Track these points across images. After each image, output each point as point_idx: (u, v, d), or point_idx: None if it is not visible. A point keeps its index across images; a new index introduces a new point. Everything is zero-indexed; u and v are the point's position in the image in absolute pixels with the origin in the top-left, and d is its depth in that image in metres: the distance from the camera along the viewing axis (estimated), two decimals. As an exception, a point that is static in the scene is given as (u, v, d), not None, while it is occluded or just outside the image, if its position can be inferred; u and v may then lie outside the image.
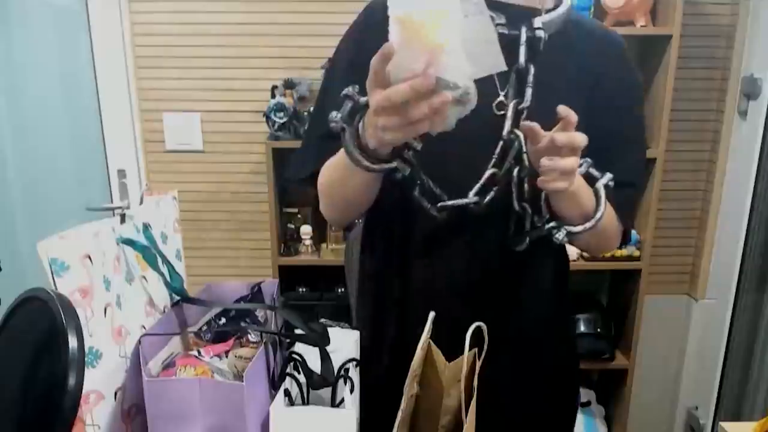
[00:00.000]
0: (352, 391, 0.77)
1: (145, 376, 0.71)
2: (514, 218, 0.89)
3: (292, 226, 2.10)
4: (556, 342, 1.02)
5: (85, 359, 0.60)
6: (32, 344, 0.63)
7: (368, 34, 0.92)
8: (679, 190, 2.17)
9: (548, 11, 0.90)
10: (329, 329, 0.79)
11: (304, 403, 0.78)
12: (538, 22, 0.88)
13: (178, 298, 0.86)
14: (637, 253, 2.02)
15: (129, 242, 0.77)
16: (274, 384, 0.78)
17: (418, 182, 0.84)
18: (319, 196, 0.96)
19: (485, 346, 0.77)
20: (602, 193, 0.84)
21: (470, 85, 0.67)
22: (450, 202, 0.86)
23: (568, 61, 0.93)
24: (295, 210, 2.11)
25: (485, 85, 0.86)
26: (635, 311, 2.05)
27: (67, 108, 2.11)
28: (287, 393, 0.75)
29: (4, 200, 2.11)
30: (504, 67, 0.72)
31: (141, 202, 0.86)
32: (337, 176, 0.88)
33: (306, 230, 2.06)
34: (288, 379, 0.77)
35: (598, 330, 2.09)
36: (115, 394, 0.71)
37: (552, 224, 0.86)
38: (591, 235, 0.85)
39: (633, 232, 2.01)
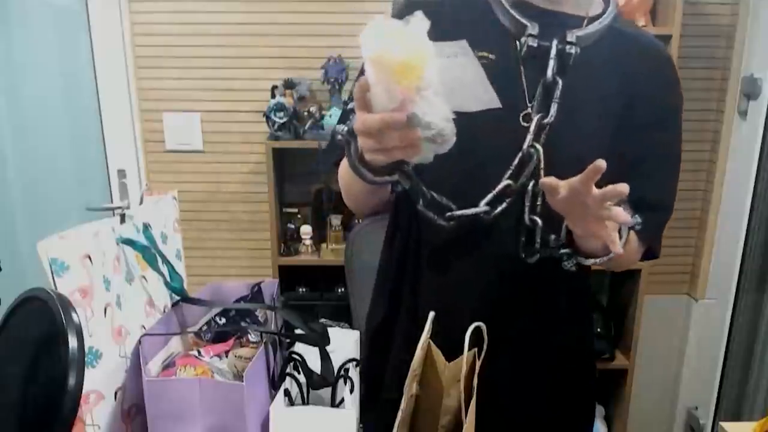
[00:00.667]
0: (352, 391, 0.77)
1: (145, 376, 0.71)
2: (524, 231, 0.88)
3: (292, 226, 2.10)
4: (570, 350, 0.99)
5: (85, 359, 0.60)
6: (32, 344, 0.63)
7: None
8: (680, 190, 2.15)
9: (592, 19, 0.88)
10: (329, 329, 0.79)
11: (304, 403, 0.78)
12: (571, 35, 0.85)
13: (178, 298, 0.86)
14: (637, 253, 2.02)
15: (129, 242, 0.77)
16: (274, 384, 0.78)
17: (422, 195, 0.84)
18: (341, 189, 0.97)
19: (485, 346, 0.77)
20: (625, 233, 0.83)
21: (445, 126, 0.68)
22: (459, 212, 0.85)
23: (603, 76, 0.89)
24: (295, 210, 2.11)
25: (514, 96, 0.86)
26: (635, 311, 2.05)
27: (67, 108, 2.11)
28: (287, 393, 0.75)
29: (4, 200, 2.11)
30: (497, 104, 0.72)
31: (141, 202, 0.86)
32: (347, 178, 0.90)
33: (306, 230, 2.06)
34: (288, 379, 0.77)
35: (598, 330, 2.09)
36: (115, 394, 0.71)
37: (565, 251, 0.85)
38: (603, 263, 0.85)
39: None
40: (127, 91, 2.07)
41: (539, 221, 0.86)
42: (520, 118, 0.86)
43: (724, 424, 1.07)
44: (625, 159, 0.87)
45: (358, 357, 0.83)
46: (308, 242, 2.06)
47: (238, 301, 0.90)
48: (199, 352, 0.78)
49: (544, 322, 0.94)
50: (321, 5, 1.99)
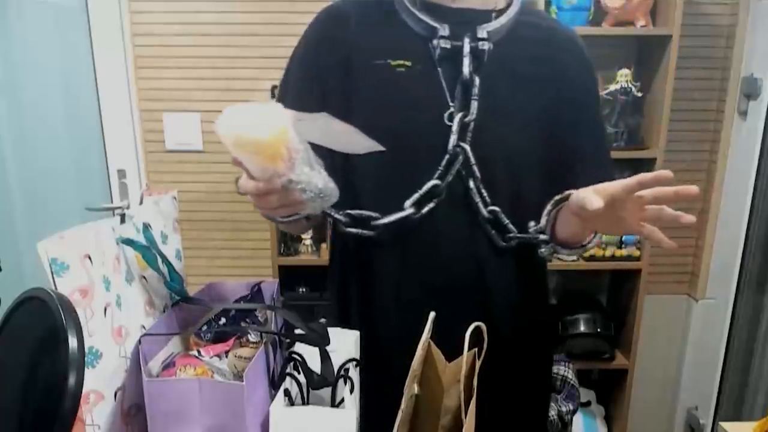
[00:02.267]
0: (352, 391, 0.77)
1: (145, 376, 0.71)
2: (487, 223, 0.89)
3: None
4: (528, 336, 1.00)
5: (85, 359, 0.60)
6: (32, 344, 0.63)
7: (321, 44, 0.94)
8: (679, 190, 2.17)
9: (500, 12, 0.90)
10: (329, 329, 0.79)
11: (304, 403, 0.78)
12: (482, 31, 0.87)
13: (178, 298, 0.86)
14: (637, 253, 2.02)
15: (129, 242, 0.77)
16: (274, 384, 0.78)
17: (337, 221, 0.86)
18: None
19: (485, 346, 0.77)
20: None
21: (322, 186, 0.70)
22: (382, 221, 0.86)
23: (521, 67, 0.91)
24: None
25: (436, 98, 0.87)
26: (635, 311, 2.05)
27: (67, 108, 2.11)
28: (287, 393, 0.75)
29: (4, 200, 2.11)
30: (377, 147, 0.73)
31: (141, 202, 0.86)
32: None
33: (306, 230, 2.06)
34: (288, 379, 0.77)
35: (598, 330, 2.09)
36: (115, 394, 0.71)
37: (543, 238, 0.87)
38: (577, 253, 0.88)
39: (633, 232, 2.01)
40: (127, 91, 2.07)
41: (498, 210, 0.88)
42: (445, 119, 0.87)
43: (724, 424, 1.08)
44: (562, 146, 0.89)
45: (358, 357, 0.83)
46: (308, 242, 2.06)
47: (238, 301, 0.90)
48: (199, 352, 0.78)
49: (504, 312, 0.95)
50: (321, 5, 1.99)
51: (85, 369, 0.60)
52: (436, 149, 0.87)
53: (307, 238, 2.06)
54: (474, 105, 0.86)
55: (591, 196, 0.71)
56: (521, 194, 0.90)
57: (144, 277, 0.80)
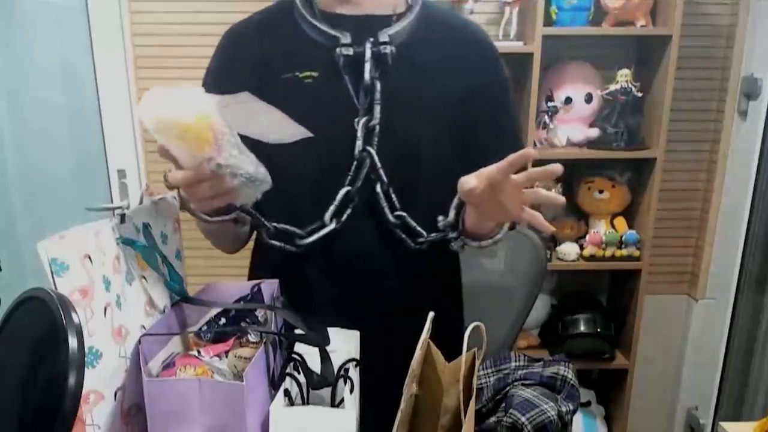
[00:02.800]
0: (352, 391, 0.77)
1: (145, 376, 0.71)
2: (396, 227, 0.90)
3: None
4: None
5: (85, 359, 0.60)
6: (32, 344, 0.63)
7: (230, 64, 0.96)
8: (679, 190, 2.17)
9: (401, 16, 0.91)
10: (329, 329, 0.79)
11: (304, 403, 0.78)
12: (383, 35, 0.88)
13: (178, 298, 0.86)
14: (637, 253, 2.02)
15: (129, 242, 0.77)
16: (274, 384, 0.78)
17: (265, 229, 0.87)
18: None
19: (484, 346, 0.77)
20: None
21: (252, 169, 0.69)
22: (310, 239, 0.88)
23: (425, 68, 0.91)
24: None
25: (344, 107, 0.88)
26: (635, 311, 2.05)
27: (67, 108, 2.11)
28: (287, 393, 0.75)
29: (4, 200, 2.11)
30: (306, 134, 0.74)
31: (141, 202, 0.86)
32: (200, 225, 0.93)
33: (306, 230, 2.06)
34: (288, 379, 0.77)
35: (598, 330, 2.09)
36: (115, 394, 0.71)
37: (453, 234, 0.88)
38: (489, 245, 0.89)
39: (633, 232, 2.01)
40: (127, 90, 2.07)
41: (405, 215, 0.90)
42: (355, 125, 0.88)
43: (724, 424, 1.08)
44: (470, 142, 0.91)
45: (358, 357, 0.83)
46: (308, 242, 2.06)
47: (238, 301, 0.90)
48: (199, 352, 0.78)
49: (420, 308, 0.96)
50: (321, 5, 1.99)
51: (85, 369, 0.60)
52: (346, 156, 0.88)
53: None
54: (377, 109, 0.87)
55: (466, 178, 0.74)
56: (432, 193, 0.91)
57: (144, 277, 0.80)
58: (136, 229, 0.81)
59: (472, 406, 0.72)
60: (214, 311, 0.88)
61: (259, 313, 0.89)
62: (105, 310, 0.70)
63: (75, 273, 0.65)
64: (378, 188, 0.89)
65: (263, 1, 1.98)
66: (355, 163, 0.88)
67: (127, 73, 2.05)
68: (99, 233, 0.72)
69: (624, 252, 2.02)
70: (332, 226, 0.89)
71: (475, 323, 0.75)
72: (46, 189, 2.14)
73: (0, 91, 2.06)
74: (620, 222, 2.07)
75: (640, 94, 1.94)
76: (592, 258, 2.03)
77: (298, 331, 0.80)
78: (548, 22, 1.87)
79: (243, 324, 0.84)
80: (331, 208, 0.88)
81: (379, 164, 0.88)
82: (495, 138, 0.93)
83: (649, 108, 1.99)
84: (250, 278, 1.07)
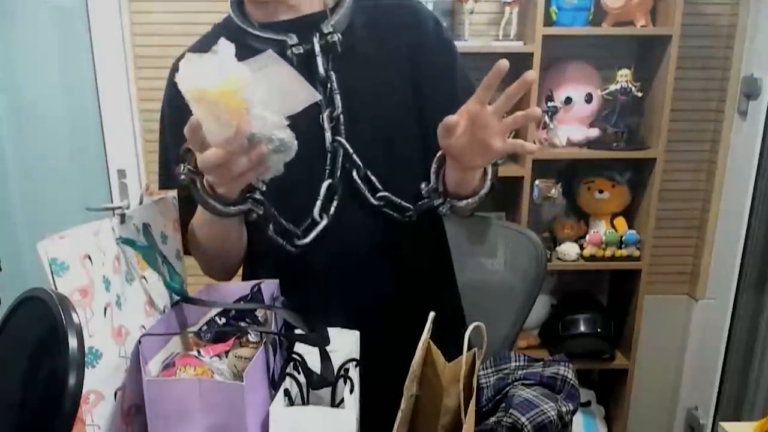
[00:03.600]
0: (352, 391, 0.77)
1: (145, 376, 0.71)
2: (382, 208, 0.92)
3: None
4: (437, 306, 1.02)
5: (85, 359, 0.60)
6: (32, 344, 0.63)
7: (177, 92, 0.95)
8: (679, 190, 2.17)
9: (333, 9, 0.93)
10: (329, 329, 0.79)
11: (304, 403, 0.78)
12: (327, 26, 0.90)
13: (178, 298, 0.86)
14: (637, 253, 2.02)
15: (129, 242, 0.77)
16: (274, 384, 0.78)
17: (273, 220, 0.87)
18: (197, 261, 0.99)
19: (485, 346, 0.77)
20: (489, 169, 0.88)
21: (284, 135, 0.70)
22: (307, 240, 0.90)
23: (371, 50, 0.94)
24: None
25: (309, 106, 0.89)
26: (635, 311, 2.06)
27: (67, 108, 2.11)
28: (287, 393, 0.75)
29: (4, 200, 2.11)
30: (317, 96, 0.74)
31: (141, 202, 0.86)
32: (202, 233, 0.91)
33: (306, 230, 2.06)
34: (288, 379, 0.77)
35: (598, 330, 2.09)
36: (115, 394, 0.71)
37: (437, 202, 0.91)
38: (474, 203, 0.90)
39: (633, 232, 2.01)
40: (127, 91, 2.07)
41: (388, 194, 0.92)
42: (320, 120, 0.90)
43: (724, 424, 1.08)
44: (433, 112, 0.90)
45: (358, 357, 0.83)
46: (308, 242, 2.06)
47: (238, 301, 0.90)
48: (199, 352, 0.78)
49: (416, 286, 0.98)
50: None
51: (85, 369, 0.60)
52: (320, 150, 0.91)
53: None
54: (337, 99, 0.90)
55: (446, 119, 0.75)
56: (408, 167, 0.94)
57: (144, 277, 0.80)
58: (136, 229, 0.81)
59: (472, 406, 0.72)
60: (214, 311, 0.88)
61: (259, 313, 0.89)
62: (105, 310, 0.70)
63: (75, 273, 0.65)
64: (355, 175, 0.91)
65: (263, 1, 1.99)
66: (329, 155, 0.91)
67: (127, 73, 2.05)
68: (99, 233, 0.72)
69: (624, 252, 2.02)
70: (324, 222, 0.90)
71: (475, 323, 0.75)
72: (46, 189, 2.14)
73: (0, 91, 2.06)
74: (620, 222, 2.07)
75: (640, 94, 1.94)
76: (592, 258, 2.03)
77: (298, 331, 0.80)
78: (548, 22, 1.87)
79: (243, 324, 0.84)
80: (318, 203, 0.90)
81: (351, 151, 0.90)
82: (454, 97, 0.93)
83: (649, 108, 1.99)
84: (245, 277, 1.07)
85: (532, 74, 0.71)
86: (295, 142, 0.72)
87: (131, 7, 2.01)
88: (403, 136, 0.95)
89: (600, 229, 2.06)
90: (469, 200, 0.88)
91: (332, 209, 0.91)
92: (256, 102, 0.66)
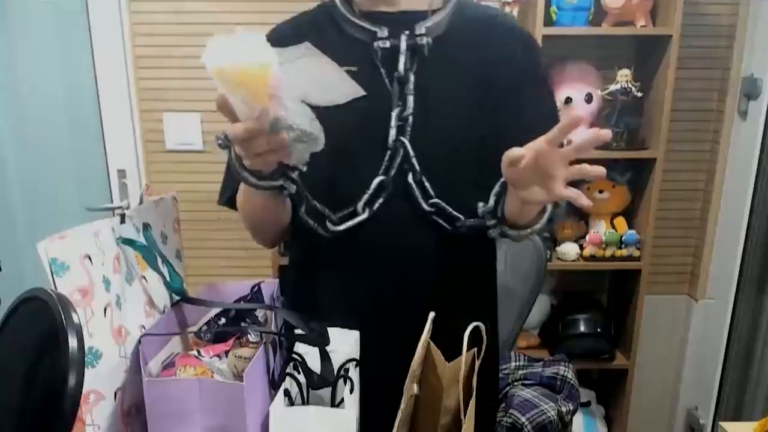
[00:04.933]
0: (352, 391, 0.77)
1: (145, 376, 0.71)
2: (431, 215, 0.91)
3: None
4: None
5: (85, 359, 0.60)
6: (32, 344, 0.63)
7: None
8: (679, 190, 2.17)
9: (435, 10, 0.93)
10: (329, 329, 0.79)
11: (303, 403, 0.78)
12: (420, 27, 0.90)
13: (178, 298, 0.86)
14: (637, 253, 2.02)
15: (129, 242, 0.77)
16: (274, 384, 0.78)
17: (305, 200, 0.87)
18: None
19: (484, 346, 0.77)
20: (549, 207, 0.86)
21: (307, 126, 0.70)
22: (342, 227, 0.89)
23: (460, 59, 0.93)
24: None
25: (381, 99, 0.90)
26: (635, 311, 2.05)
27: (67, 108, 2.11)
28: (287, 393, 0.75)
29: (4, 200, 2.11)
30: (361, 92, 0.75)
31: (141, 202, 0.86)
32: (243, 198, 0.93)
33: (306, 230, 2.06)
34: (288, 379, 0.77)
35: (598, 330, 2.09)
36: (115, 394, 0.71)
37: (489, 223, 0.89)
38: (526, 235, 0.89)
39: (633, 232, 2.01)
40: (127, 91, 2.07)
41: (440, 202, 0.90)
42: (388, 117, 0.90)
43: (724, 424, 1.08)
44: (506, 130, 0.90)
45: (358, 357, 0.83)
46: (308, 242, 2.06)
47: (238, 301, 0.90)
48: (199, 352, 0.78)
49: (456, 298, 0.96)
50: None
51: (85, 369, 0.60)
52: (380, 145, 0.90)
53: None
54: (410, 100, 0.89)
55: (513, 149, 0.74)
56: (467, 182, 0.92)
57: (144, 277, 0.80)
58: (136, 229, 0.81)
59: (472, 406, 0.72)
60: (214, 311, 0.88)
61: (259, 313, 0.89)
62: (105, 310, 0.70)
63: (75, 273, 0.66)
64: (410, 178, 0.90)
65: (264, 2, 1.99)
66: (388, 152, 0.90)
67: (127, 73, 2.05)
68: (99, 233, 0.72)
69: (624, 252, 2.02)
70: (364, 215, 0.89)
71: (475, 323, 0.75)
72: (46, 189, 2.14)
73: (0, 91, 2.06)
74: (620, 222, 2.07)
75: (640, 94, 1.94)
76: (592, 258, 2.03)
77: (298, 331, 0.80)
78: (548, 22, 1.87)
79: (243, 324, 0.84)
80: (365, 197, 0.89)
81: (412, 154, 0.89)
82: (529, 122, 0.92)
83: (649, 108, 1.99)
84: (282, 269, 1.06)
85: (607, 134, 0.71)
86: (322, 136, 0.72)
87: (131, 7, 2.01)
88: (467, 150, 0.93)
89: (600, 229, 2.06)
90: (521, 231, 0.87)
91: (376, 205, 0.90)
92: (282, 90, 0.66)
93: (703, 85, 2.08)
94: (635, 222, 2.08)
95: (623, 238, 2.02)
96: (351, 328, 0.86)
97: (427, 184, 0.90)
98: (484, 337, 0.77)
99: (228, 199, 0.97)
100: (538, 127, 0.90)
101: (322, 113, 0.75)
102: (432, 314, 0.77)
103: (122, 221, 0.77)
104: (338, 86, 0.73)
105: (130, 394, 0.73)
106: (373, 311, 0.91)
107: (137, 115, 2.10)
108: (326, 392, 0.79)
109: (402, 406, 0.75)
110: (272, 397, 0.75)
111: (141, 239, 0.80)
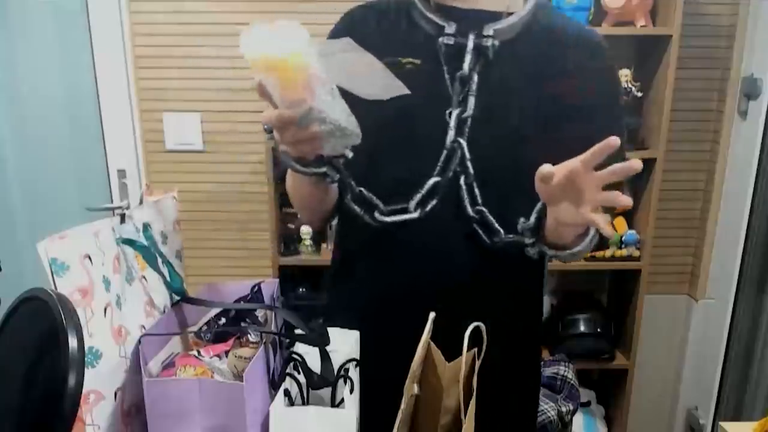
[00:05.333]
0: (352, 391, 0.77)
1: (145, 376, 0.71)
2: (473, 222, 0.89)
3: (292, 226, 2.09)
4: (518, 335, 0.99)
5: (85, 359, 0.60)
6: (32, 344, 0.63)
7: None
8: (679, 190, 2.17)
9: (511, 13, 0.90)
10: (329, 329, 0.79)
11: (304, 403, 0.78)
12: (488, 29, 0.88)
13: (178, 298, 0.86)
14: (637, 253, 2.02)
15: (129, 242, 0.77)
16: (274, 384, 0.78)
17: (350, 189, 0.86)
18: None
19: (484, 347, 0.77)
20: (592, 232, 0.82)
21: (341, 121, 0.69)
22: (389, 219, 0.88)
23: (530, 68, 0.90)
24: (295, 210, 2.11)
25: (440, 95, 0.88)
26: (635, 311, 2.05)
27: (67, 108, 2.11)
28: (287, 393, 0.75)
29: (4, 200, 2.11)
30: (405, 90, 0.73)
31: (141, 202, 0.86)
32: (289, 181, 0.94)
33: (306, 230, 2.06)
34: (288, 379, 0.77)
35: (598, 330, 2.09)
36: (115, 394, 0.71)
37: (530, 240, 0.85)
38: (565, 256, 0.85)
39: (633, 232, 2.01)
40: (127, 91, 2.07)
41: (485, 210, 0.88)
42: (447, 115, 0.88)
43: (724, 424, 1.08)
44: (563, 149, 0.86)
45: (358, 357, 0.83)
46: (308, 242, 2.06)
47: (238, 301, 0.90)
48: (199, 352, 0.78)
49: (494, 310, 0.92)
50: (321, 5, 1.99)
51: (85, 369, 0.60)
52: (437, 145, 0.88)
53: (307, 238, 2.06)
54: (471, 101, 0.87)
55: (545, 165, 0.72)
56: (515, 193, 0.88)
57: (144, 277, 0.80)
58: (136, 229, 0.81)
59: (472, 406, 0.72)
60: (214, 311, 0.88)
61: (259, 313, 0.89)
62: (105, 310, 0.70)
63: (75, 273, 0.66)
64: (462, 181, 0.88)
65: (263, 1, 1.99)
66: (445, 152, 0.87)
67: (127, 73, 2.05)
68: (99, 233, 0.72)
69: (624, 252, 2.02)
70: (415, 214, 0.88)
71: (475, 323, 0.75)
72: (46, 189, 2.14)
73: (0, 91, 2.06)
74: (620, 222, 2.07)
75: (640, 94, 1.94)
76: (592, 258, 2.03)
77: (298, 331, 0.80)
78: (548, 22, 1.87)
79: (243, 324, 0.84)
80: (417, 196, 0.87)
81: (468, 156, 0.87)
82: (586, 147, 0.92)
83: (649, 108, 1.99)
84: (335, 251, 1.06)
85: (638, 163, 0.68)
86: (357, 131, 0.71)
87: (131, 7, 2.01)
88: (521, 160, 0.86)
89: (600, 229, 2.06)
90: (559, 252, 0.84)
91: (429, 206, 0.88)
92: (317, 83, 0.66)
93: (703, 85, 2.08)
94: (635, 222, 2.08)
95: (623, 238, 2.02)
96: (374, 318, 0.86)
97: (476, 190, 0.88)
98: (485, 337, 0.77)
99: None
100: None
101: (382, 108, 0.74)
102: (432, 314, 0.77)
103: (122, 221, 0.77)
104: (381, 82, 0.72)
105: (130, 394, 0.73)
106: (398, 307, 0.90)
107: (137, 115, 2.10)
108: (326, 392, 0.79)
109: (402, 406, 0.75)
110: (272, 397, 0.75)
111: (141, 239, 0.80)
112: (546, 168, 0.72)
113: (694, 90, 2.08)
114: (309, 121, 0.68)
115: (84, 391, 0.60)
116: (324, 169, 0.80)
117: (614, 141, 0.68)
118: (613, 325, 2.14)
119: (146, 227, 0.83)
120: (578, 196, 0.73)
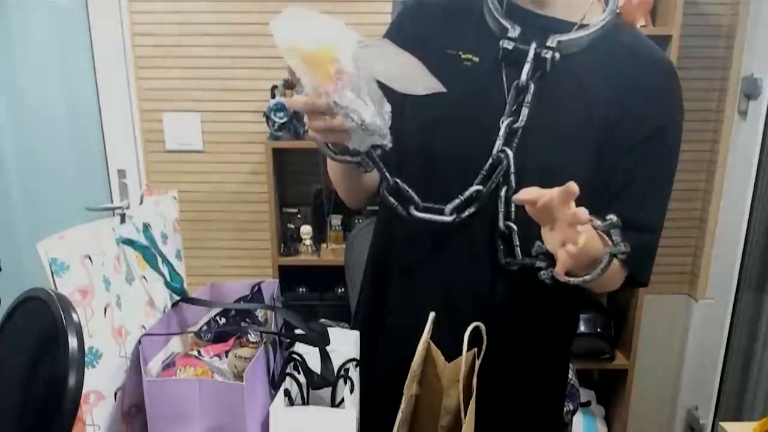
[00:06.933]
0: (352, 391, 0.77)
1: (145, 376, 0.71)
2: (500, 237, 0.87)
3: (292, 226, 2.10)
4: (546, 351, 0.99)
5: (85, 359, 0.60)
6: (32, 344, 0.63)
7: (407, 25, 0.94)
8: (679, 190, 2.17)
9: (583, 26, 0.86)
10: (329, 329, 0.79)
11: (304, 403, 0.78)
12: (552, 40, 0.83)
13: (178, 298, 0.86)
14: (637, 253, 2.02)
15: (129, 242, 0.77)
16: (274, 384, 0.78)
17: (385, 180, 0.84)
18: None
19: (484, 347, 0.77)
20: (606, 259, 0.76)
21: (368, 118, 0.69)
22: (423, 216, 0.84)
23: (590, 85, 0.86)
24: (295, 210, 2.11)
25: (494, 99, 0.86)
26: (635, 311, 2.05)
27: (67, 108, 2.11)
28: (287, 393, 0.75)
29: (4, 200, 2.11)
30: (441, 88, 0.72)
31: (141, 202, 0.86)
32: (328, 164, 0.94)
33: (306, 230, 2.06)
34: (288, 379, 0.77)
35: (598, 330, 2.09)
36: (115, 394, 0.71)
37: (542, 263, 0.82)
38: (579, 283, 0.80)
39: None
40: (127, 91, 2.07)
41: (515, 227, 0.85)
42: (499, 122, 0.84)
43: (724, 424, 1.08)
44: (612, 174, 0.85)
45: (358, 357, 0.83)
46: (308, 242, 2.06)
47: (238, 301, 0.90)
48: (199, 352, 0.78)
49: (520, 323, 0.92)
50: (320, 5, 1.98)
51: (85, 369, 0.60)
52: (483, 150, 0.84)
53: (307, 238, 2.06)
54: (524, 112, 0.83)
55: (525, 189, 0.73)
56: None
57: (144, 277, 0.80)
58: (136, 229, 0.81)
59: (472, 406, 0.72)
60: (214, 311, 0.88)
61: (259, 313, 0.89)
62: (105, 310, 0.70)
63: (75, 273, 0.65)
64: (502, 192, 0.85)
65: (263, 1, 1.99)
66: (490, 161, 0.84)
67: (127, 73, 2.05)
68: (99, 233, 0.72)
69: (624, 252, 2.01)
70: (449, 218, 0.84)
71: (475, 323, 0.75)
72: (46, 189, 2.14)
73: (0, 91, 2.06)
74: (620, 222, 2.07)
75: (640, 94, 1.94)
76: (592, 258, 2.03)
77: (298, 331, 0.80)
78: (548, 22, 1.87)
79: (243, 324, 0.84)
80: (456, 201, 0.84)
81: (512, 169, 0.83)
82: (628, 187, 0.86)
83: (649, 108, 1.99)
84: (374, 239, 1.05)
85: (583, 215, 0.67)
86: (384, 132, 0.71)
87: (131, 7, 2.01)
88: (563, 178, 0.79)
89: (600, 229, 2.06)
90: (571, 279, 0.78)
91: (465, 213, 0.85)
92: (345, 77, 0.66)
93: (703, 85, 2.08)
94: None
95: (623, 238, 2.01)
96: (393, 317, 0.87)
97: (513, 205, 0.84)
98: (484, 337, 0.77)
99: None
100: (633, 190, 0.85)
101: (434, 101, 0.73)
102: (432, 314, 0.77)
103: (122, 221, 0.77)
104: (417, 79, 0.70)
105: (130, 394, 0.73)
106: (415, 306, 0.89)
107: (137, 115, 2.10)
108: (326, 392, 0.79)
109: (402, 406, 0.75)
110: (272, 397, 0.75)
111: (141, 239, 0.80)
112: (526, 190, 0.72)
113: (694, 90, 2.08)
114: (334, 113, 0.68)
115: (84, 391, 0.59)
116: (358, 159, 0.78)
117: (572, 189, 0.66)
118: (613, 325, 2.14)
119: (146, 227, 0.83)
120: (554, 225, 0.72)
